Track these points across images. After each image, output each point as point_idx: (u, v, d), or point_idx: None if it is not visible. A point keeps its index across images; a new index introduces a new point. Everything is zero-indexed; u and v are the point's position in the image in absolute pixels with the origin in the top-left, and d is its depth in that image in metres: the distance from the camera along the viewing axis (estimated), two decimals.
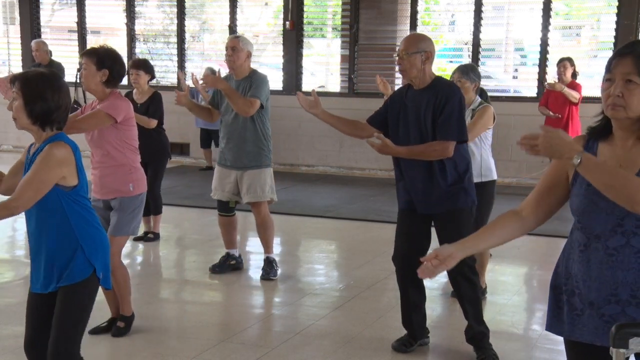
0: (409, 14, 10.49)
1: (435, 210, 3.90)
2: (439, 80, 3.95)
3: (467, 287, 3.98)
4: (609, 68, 2.14)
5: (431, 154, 3.83)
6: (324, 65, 11.88)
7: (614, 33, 9.38)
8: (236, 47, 5.22)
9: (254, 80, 5.22)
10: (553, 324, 2.31)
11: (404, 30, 10.43)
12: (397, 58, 3.90)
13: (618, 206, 2.08)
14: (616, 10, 9.36)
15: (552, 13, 9.76)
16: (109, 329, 4.25)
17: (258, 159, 5.32)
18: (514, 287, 5.59)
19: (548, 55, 9.77)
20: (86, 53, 4.12)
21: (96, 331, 4.16)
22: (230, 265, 5.58)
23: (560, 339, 2.35)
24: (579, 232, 2.19)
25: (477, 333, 3.99)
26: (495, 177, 4.90)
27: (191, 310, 4.86)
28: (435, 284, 5.20)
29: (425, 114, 3.83)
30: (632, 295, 2.10)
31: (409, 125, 3.89)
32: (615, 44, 9.34)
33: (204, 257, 6.27)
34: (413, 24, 10.45)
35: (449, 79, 4.66)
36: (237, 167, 5.33)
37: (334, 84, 11.33)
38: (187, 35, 11.74)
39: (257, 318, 4.84)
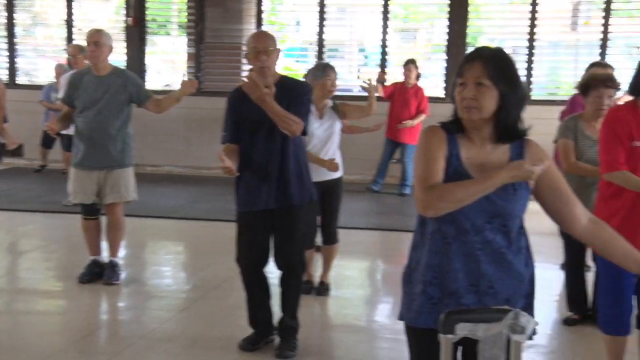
0: (254, 13, 10.52)
1: (271, 205, 3.89)
2: (285, 77, 3.98)
3: (295, 283, 4.06)
4: (461, 73, 2.24)
5: (287, 122, 3.73)
6: (169, 64, 11.63)
7: (446, 37, 9.93)
8: (99, 42, 5.06)
9: (131, 78, 5.18)
10: (406, 314, 2.37)
11: (251, 29, 10.43)
12: (254, 55, 3.77)
13: (488, 204, 2.21)
14: (447, 15, 9.91)
15: (390, 16, 10.16)
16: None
17: (123, 158, 5.16)
18: (358, 281, 5.77)
19: (388, 57, 10.17)
20: None
21: None
22: (97, 273, 5.29)
23: (401, 328, 2.44)
24: (447, 225, 2.26)
25: (288, 327, 4.07)
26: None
27: (25, 321, 4.57)
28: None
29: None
30: (489, 287, 2.24)
31: (262, 124, 3.81)
32: (447, 47, 9.89)
33: (40, 264, 5.93)
34: (259, 24, 10.49)
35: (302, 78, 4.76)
36: (100, 167, 5.10)
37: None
38: (19, 29, 11.04)
39: (98, 324, 4.64)
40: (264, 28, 10.42)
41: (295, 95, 3.82)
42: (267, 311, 4.13)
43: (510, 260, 2.26)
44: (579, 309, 4.61)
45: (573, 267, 4.64)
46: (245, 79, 3.65)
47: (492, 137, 2.27)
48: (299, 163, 3.93)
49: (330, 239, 5.13)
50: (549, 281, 5.50)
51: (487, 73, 2.19)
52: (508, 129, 2.24)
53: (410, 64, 8.83)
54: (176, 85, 11.10)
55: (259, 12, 10.51)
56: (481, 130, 2.26)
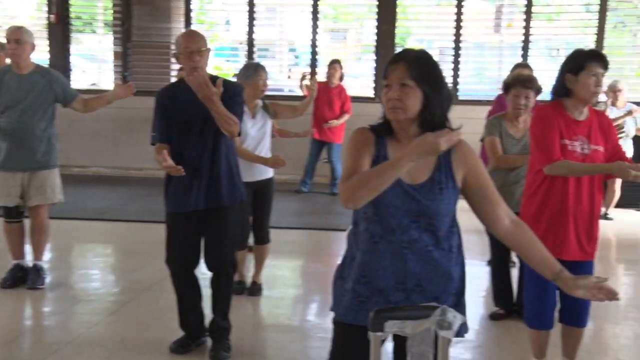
0: (183, 12, 10.40)
1: (201, 206, 3.85)
2: (216, 77, 3.88)
3: (226, 284, 4.04)
4: (387, 75, 2.28)
5: (229, 122, 3.70)
6: (96, 62, 11.37)
7: (375, 37, 10.05)
8: (20, 40, 4.90)
9: (56, 77, 5.06)
10: (335, 309, 2.42)
11: (179, 28, 10.32)
12: (187, 55, 3.69)
13: (413, 203, 2.25)
14: (376, 16, 10.03)
15: (320, 16, 10.22)
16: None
17: (48, 159, 5.02)
18: (290, 281, 5.78)
19: (318, 56, 10.22)
20: None
21: None
22: (20, 277, 5.13)
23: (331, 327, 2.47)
24: (374, 224, 2.30)
25: (220, 328, 4.04)
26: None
27: None
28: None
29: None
30: (417, 285, 2.28)
31: (193, 123, 3.77)
32: (376, 47, 10.01)
33: None
34: (188, 22, 10.38)
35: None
36: (25, 168, 4.95)
37: (108, 82, 10.88)
38: None
39: (21, 330, 4.49)
40: (193, 27, 10.31)
41: (229, 95, 3.78)
42: (199, 313, 4.09)
43: (438, 259, 2.30)
44: (504, 304, 4.74)
45: (499, 264, 4.78)
46: (192, 77, 3.58)
47: (419, 135, 2.30)
48: (230, 163, 3.92)
49: (262, 239, 5.12)
50: (476, 277, 5.64)
51: (411, 74, 2.23)
52: (434, 129, 2.28)
53: (334, 63, 8.93)
54: (103, 85, 10.90)
55: (188, 10, 10.40)
56: (408, 130, 2.30)
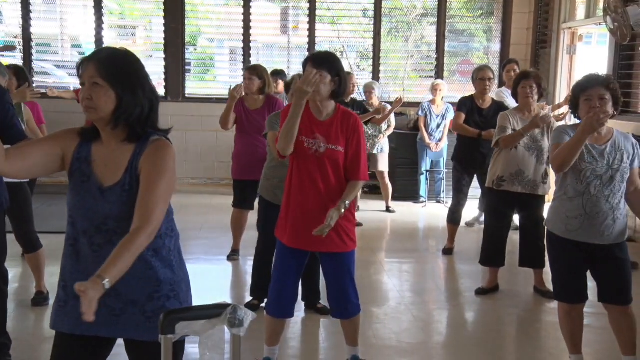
0: None
1: None
2: None
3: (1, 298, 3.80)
4: (79, 74, 2.24)
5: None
6: None
7: (164, 35, 9.90)
8: None
9: None
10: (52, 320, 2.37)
11: None
12: None
13: (99, 205, 2.21)
14: (163, 14, 9.89)
15: (105, 11, 9.84)
16: None
17: None
18: None
19: None
20: None
21: None
22: None
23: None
24: (70, 227, 2.28)
25: None
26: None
27: None
28: None
29: None
30: (111, 288, 2.10)
31: None
32: (165, 45, 9.87)
33: None
34: None
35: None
36: None
37: None
38: None
39: None
40: None
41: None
42: None
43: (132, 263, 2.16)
44: (259, 294, 4.86)
45: (262, 256, 4.89)
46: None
47: (118, 136, 2.27)
48: None
49: (31, 246, 4.79)
50: (243, 272, 5.82)
51: (101, 73, 2.20)
52: (135, 128, 2.26)
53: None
54: None
55: None
56: (106, 130, 2.28)
